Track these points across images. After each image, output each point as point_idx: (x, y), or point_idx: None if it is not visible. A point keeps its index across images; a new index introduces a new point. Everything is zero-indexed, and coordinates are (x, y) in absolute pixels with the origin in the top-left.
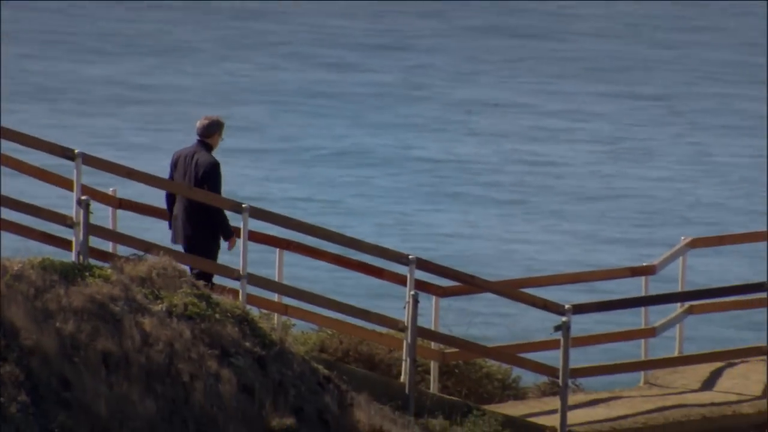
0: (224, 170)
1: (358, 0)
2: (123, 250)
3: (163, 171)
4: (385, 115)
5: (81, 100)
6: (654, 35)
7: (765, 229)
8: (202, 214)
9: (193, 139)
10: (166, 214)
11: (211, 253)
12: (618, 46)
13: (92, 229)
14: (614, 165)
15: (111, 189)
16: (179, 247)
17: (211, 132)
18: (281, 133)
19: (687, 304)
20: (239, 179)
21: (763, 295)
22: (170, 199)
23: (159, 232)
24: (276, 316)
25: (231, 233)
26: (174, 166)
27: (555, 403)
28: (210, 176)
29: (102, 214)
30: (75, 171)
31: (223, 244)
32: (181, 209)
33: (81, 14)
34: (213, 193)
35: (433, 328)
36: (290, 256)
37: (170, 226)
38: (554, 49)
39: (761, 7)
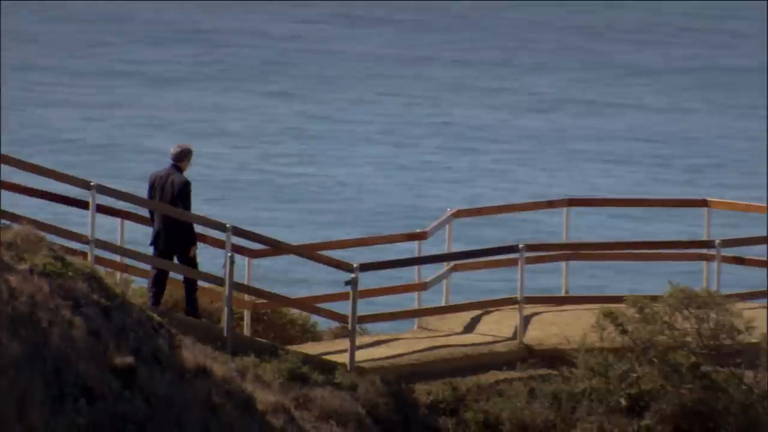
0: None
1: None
2: None
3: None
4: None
5: None
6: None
7: (520, 201)
8: (179, 228)
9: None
10: (30, 191)
11: (193, 258)
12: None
13: None
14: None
15: None
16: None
17: (181, 158)
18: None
19: (452, 263)
20: None
21: (515, 255)
22: (152, 212)
23: (24, 206)
24: (118, 274)
25: (194, 242)
26: (152, 185)
27: (345, 344)
28: (183, 193)
29: None
30: None
31: None
32: (162, 225)
33: None
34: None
35: (246, 283)
36: (130, 225)
37: (153, 237)
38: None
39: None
